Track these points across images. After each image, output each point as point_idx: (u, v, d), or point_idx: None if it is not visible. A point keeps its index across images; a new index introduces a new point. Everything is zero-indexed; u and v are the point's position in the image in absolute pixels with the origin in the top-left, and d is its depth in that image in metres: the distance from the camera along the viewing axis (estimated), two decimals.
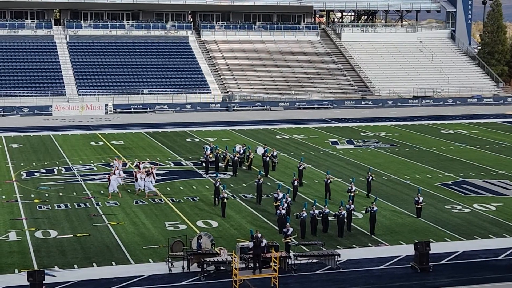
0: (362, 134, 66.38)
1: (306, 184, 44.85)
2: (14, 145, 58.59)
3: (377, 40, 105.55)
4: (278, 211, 34.76)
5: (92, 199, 40.83)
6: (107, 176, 43.00)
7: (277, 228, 34.74)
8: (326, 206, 35.00)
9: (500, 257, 31.57)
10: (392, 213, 38.66)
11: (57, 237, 33.75)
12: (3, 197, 41.40)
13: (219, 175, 43.01)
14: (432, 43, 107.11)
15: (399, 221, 37.20)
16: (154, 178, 42.82)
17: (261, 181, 40.64)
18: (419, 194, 38.02)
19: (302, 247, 31.65)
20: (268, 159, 48.16)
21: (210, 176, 46.87)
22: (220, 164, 48.61)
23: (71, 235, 33.96)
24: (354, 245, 33.01)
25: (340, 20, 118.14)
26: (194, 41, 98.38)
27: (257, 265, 28.12)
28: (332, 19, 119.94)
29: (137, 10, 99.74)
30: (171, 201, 40.62)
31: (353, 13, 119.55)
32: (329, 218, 34.99)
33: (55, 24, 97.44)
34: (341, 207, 34.55)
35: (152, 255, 31.29)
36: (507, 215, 38.22)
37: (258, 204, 40.07)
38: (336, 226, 34.41)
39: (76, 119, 74.96)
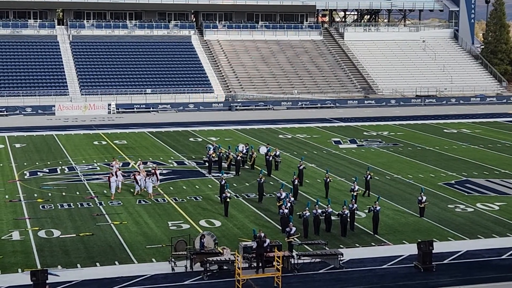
0: (365, 133, 66.35)
1: (309, 183, 44.86)
2: (17, 145, 58.66)
3: (380, 39, 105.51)
4: (281, 211, 34.76)
5: (95, 198, 40.86)
6: (106, 176, 43.03)
7: (280, 228, 34.75)
8: (329, 205, 34.99)
9: (503, 257, 31.54)
10: (395, 212, 38.64)
11: (60, 236, 33.78)
12: (6, 196, 41.45)
13: (224, 173, 43.08)
14: (435, 42, 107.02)
15: (402, 220, 37.17)
16: (158, 178, 42.87)
17: (262, 180, 40.68)
18: (422, 194, 37.99)
19: (305, 246, 31.65)
20: (271, 158, 48.15)
21: (213, 176, 46.92)
22: (223, 163, 48.65)
23: (74, 235, 33.98)
24: (357, 245, 33.00)
25: (343, 20, 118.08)
26: (197, 40, 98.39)
27: (260, 265, 28.12)
28: (334, 18, 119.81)
29: (140, 9, 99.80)
30: (174, 201, 40.64)
31: (356, 13, 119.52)
32: (332, 218, 34.97)
33: (58, 24, 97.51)
34: (344, 207, 34.52)
35: (155, 254, 31.30)
36: (511, 215, 38.17)
37: (260, 203, 40.11)
38: (339, 225, 34.41)
39: (79, 118, 75.02)
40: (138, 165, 45.71)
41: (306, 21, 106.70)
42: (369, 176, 42.10)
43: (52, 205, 39.53)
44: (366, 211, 36.73)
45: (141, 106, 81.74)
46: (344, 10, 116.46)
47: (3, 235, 33.89)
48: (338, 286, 27.96)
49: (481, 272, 29.51)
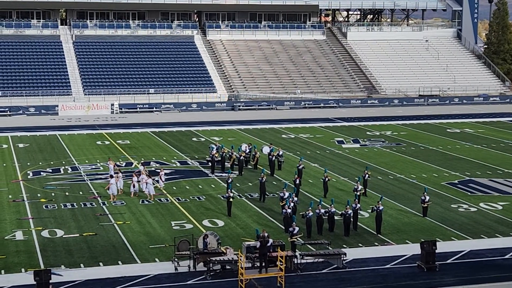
0: (368, 133, 66.33)
1: (312, 183, 44.85)
2: (21, 145, 58.73)
3: (383, 39, 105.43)
4: (284, 210, 34.77)
5: (98, 198, 40.88)
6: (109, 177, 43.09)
7: (283, 227, 34.75)
8: (332, 205, 34.97)
9: (506, 256, 31.50)
10: (398, 212, 38.61)
11: (63, 236, 33.81)
12: (10, 196, 41.50)
13: (231, 172, 43.15)
14: (438, 42, 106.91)
15: (405, 220, 37.15)
16: (163, 180, 42.84)
17: (264, 179, 40.71)
18: (425, 193, 37.96)
19: (308, 246, 31.64)
20: (274, 158, 48.17)
21: (216, 176, 46.94)
22: (226, 163, 48.66)
23: (78, 235, 34.01)
24: (360, 244, 32.99)
25: (346, 19, 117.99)
26: (200, 40, 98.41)
27: (263, 264, 28.12)
28: (337, 18, 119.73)
29: (143, 9, 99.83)
30: (177, 201, 40.65)
31: (359, 12, 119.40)
32: (335, 217, 34.97)
33: (61, 24, 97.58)
34: (348, 206, 34.52)
35: (158, 254, 31.32)
36: None
37: (261, 202, 40.13)
38: (342, 225, 34.40)
39: (82, 118, 75.10)
40: (139, 169, 45.49)
41: (309, 21, 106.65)
42: (366, 175, 42.09)
43: (55, 205, 39.57)
44: (369, 210, 36.71)
45: (144, 106, 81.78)
46: (347, 10, 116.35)
47: (7, 235, 33.93)
48: (341, 286, 27.95)
49: (485, 272, 29.48)
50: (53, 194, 41.89)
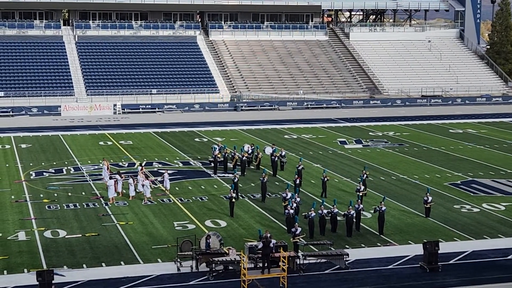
0: (370, 133, 66.29)
1: (314, 183, 44.84)
2: (23, 145, 58.77)
3: (385, 39, 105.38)
4: (287, 211, 34.78)
5: (101, 199, 40.90)
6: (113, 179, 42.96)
7: (286, 228, 34.74)
8: (335, 205, 34.97)
9: (509, 257, 31.48)
10: (401, 212, 38.59)
11: (66, 236, 33.84)
12: (12, 197, 41.54)
13: (237, 172, 43.23)
14: (441, 42, 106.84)
15: (408, 220, 37.13)
16: (167, 182, 42.86)
17: (265, 179, 40.74)
18: (428, 194, 37.95)
19: (311, 246, 31.65)
20: (276, 159, 48.17)
21: (218, 176, 46.96)
22: (228, 163, 48.67)
23: (80, 235, 34.04)
24: (363, 245, 32.97)
25: (349, 20, 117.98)
26: (202, 41, 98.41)
27: (266, 265, 28.12)
28: (340, 19, 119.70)
29: (145, 10, 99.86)
30: (179, 201, 40.66)
31: (361, 13, 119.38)
32: (338, 218, 34.96)
33: (64, 25, 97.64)
34: (350, 207, 34.51)
35: (160, 255, 31.33)
36: None
37: (263, 202, 40.13)
38: (344, 225, 34.39)
39: (85, 119, 75.15)
40: (140, 170, 45.39)
41: (312, 21, 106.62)
42: (365, 176, 42.06)
43: (58, 205, 39.60)
44: (372, 211, 36.69)
45: (147, 106, 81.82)
46: (350, 10, 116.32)
47: (9, 236, 33.96)
48: (344, 287, 27.95)
49: (487, 272, 29.46)
50: (55, 195, 41.91)
